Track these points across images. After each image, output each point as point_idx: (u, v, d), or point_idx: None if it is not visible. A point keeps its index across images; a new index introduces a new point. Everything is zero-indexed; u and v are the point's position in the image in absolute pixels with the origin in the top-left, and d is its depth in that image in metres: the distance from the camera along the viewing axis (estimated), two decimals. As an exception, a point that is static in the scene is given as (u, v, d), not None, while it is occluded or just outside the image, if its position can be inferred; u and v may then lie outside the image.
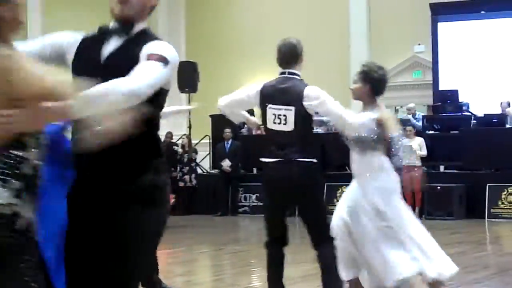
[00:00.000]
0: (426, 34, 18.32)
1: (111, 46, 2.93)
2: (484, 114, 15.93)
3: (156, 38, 3.02)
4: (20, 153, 2.48)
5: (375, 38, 19.72)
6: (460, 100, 16.76)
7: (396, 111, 20.25)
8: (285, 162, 5.04)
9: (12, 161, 2.45)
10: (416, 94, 19.04)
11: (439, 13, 18.17)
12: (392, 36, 19.40)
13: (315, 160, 5.12)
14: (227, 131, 16.50)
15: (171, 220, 11.18)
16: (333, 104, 5.07)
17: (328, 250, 5.13)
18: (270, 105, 5.12)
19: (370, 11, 19.81)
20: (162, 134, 19.16)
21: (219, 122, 17.46)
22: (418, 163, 14.46)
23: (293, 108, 5.03)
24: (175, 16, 22.71)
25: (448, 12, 18.16)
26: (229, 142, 16.46)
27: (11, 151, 2.45)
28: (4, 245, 2.44)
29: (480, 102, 17.38)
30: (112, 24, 3.00)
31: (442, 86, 18.20)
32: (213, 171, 17.55)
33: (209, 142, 18.08)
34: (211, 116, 17.99)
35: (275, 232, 5.24)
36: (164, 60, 2.83)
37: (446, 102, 16.79)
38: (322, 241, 5.13)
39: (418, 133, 14.91)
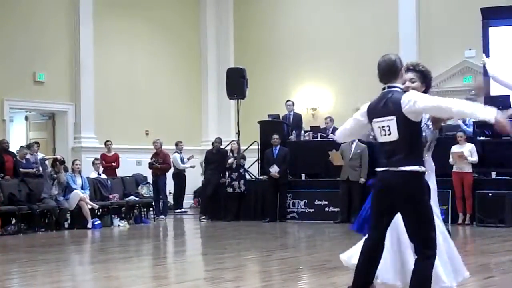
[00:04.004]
0: (477, 39, 18.08)
1: None
2: (537, 120, 15.63)
3: None
4: None
5: (425, 43, 19.54)
6: (512, 105, 16.47)
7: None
8: (390, 171, 5.13)
9: None
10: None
11: (490, 17, 17.92)
12: (442, 41, 19.21)
13: (419, 168, 5.11)
14: (275, 137, 16.52)
15: (219, 226, 11.37)
16: (427, 99, 5.11)
17: (421, 267, 5.07)
18: (374, 119, 5.25)
19: (419, 16, 19.64)
20: (211, 139, 19.31)
21: (267, 128, 17.51)
22: (468, 169, 14.30)
23: (394, 117, 5.11)
24: (224, 24, 22.83)
25: (499, 16, 17.90)
26: (277, 148, 16.47)
27: None
28: None
29: (533, 108, 17.08)
30: None
31: (493, 92, 17.92)
32: (261, 177, 17.57)
33: (258, 148, 18.13)
34: (260, 122, 18.03)
35: (375, 232, 5.32)
36: None
37: (497, 108, 16.52)
38: (420, 254, 5.08)
39: (469, 139, 14.73)
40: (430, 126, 5.58)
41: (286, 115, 18.14)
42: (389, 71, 5.27)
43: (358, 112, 5.47)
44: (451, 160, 14.31)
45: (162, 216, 17.68)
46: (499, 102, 16.92)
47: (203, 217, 17.03)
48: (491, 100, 17.35)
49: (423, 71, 5.58)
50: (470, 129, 15.61)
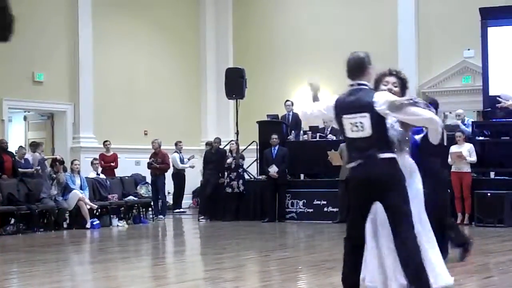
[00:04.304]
0: (475, 39, 18.08)
1: None
2: (536, 120, 15.64)
3: None
4: None
5: (424, 43, 19.56)
6: (511, 105, 16.47)
7: (445, 116, 20.03)
8: (366, 162, 5.28)
9: None
10: (466, 99, 18.81)
11: (489, 17, 17.92)
12: (441, 41, 19.23)
13: (393, 154, 5.33)
14: (274, 137, 16.53)
15: (218, 226, 11.34)
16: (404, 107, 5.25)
17: (403, 240, 5.27)
18: (345, 116, 5.37)
19: (419, 17, 19.66)
20: (210, 139, 19.30)
21: (266, 128, 17.51)
22: (467, 169, 14.31)
23: (367, 114, 5.28)
24: (223, 24, 22.83)
25: (498, 16, 17.89)
26: (276, 148, 16.48)
27: None
28: None
29: (532, 108, 17.07)
30: None
31: (492, 92, 17.92)
32: (260, 177, 17.57)
33: (256, 148, 18.13)
34: (258, 122, 18.03)
35: (355, 231, 5.41)
36: None
37: (496, 108, 16.55)
38: (400, 234, 5.28)
39: (468, 139, 14.74)
40: (395, 127, 5.63)
41: (285, 115, 18.14)
42: (357, 68, 5.45)
43: (321, 105, 5.65)
44: (449, 160, 14.31)
45: (161, 216, 17.69)
46: (498, 102, 16.95)
47: (202, 217, 17.04)
48: (491, 100, 17.40)
49: (404, 79, 5.78)
50: (469, 129, 15.62)
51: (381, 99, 5.26)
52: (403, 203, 5.25)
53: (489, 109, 16.91)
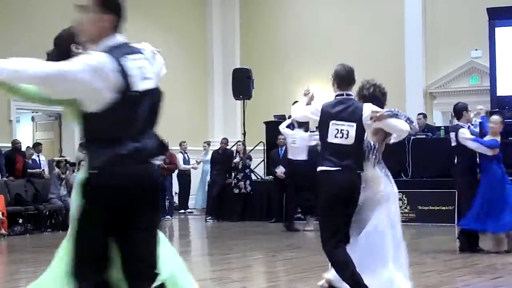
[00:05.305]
0: (483, 39, 18.04)
1: None
2: (543, 120, 15.59)
3: None
4: None
5: (431, 43, 19.52)
6: (519, 106, 16.45)
7: (453, 117, 19.97)
8: (344, 171, 5.73)
9: None
10: (473, 100, 18.68)
11: (496, 17, 17.87)
12: (449, 42, 19.18)
13: (361, 171, 5.86)
14: (281, 138, 16.48)
15: (225, 226, 11.34)
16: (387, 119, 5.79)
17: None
18: (333, 121, 5.78)
19: (425, 17, 19.62)
20: (217, 140, 19.31)
21: (273, 128, 17.49)
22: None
23: (354, 124, 5.74)
24: (230, 24, 22.84)
25: (506, 16, 17.84)
26: (283, 148, 16.44)
27: None
28: None
29: (539, 108, 17.02)
30: None
31: (500, 92, 17.89)
32: (267, 178, 17.57)
33: (264, 149, 18.12)
34: (265, 122, 18.03)
35: (340, 235, 5.74)
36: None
37: (503, 108, 16.51)
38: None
39: (475, 139, 14.66)
40: (368, 138, 6.04)
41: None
42: (348, 79, 5.92)
43: (309, 110, 6.05)
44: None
45: (168, 217, 17.70)
46: (505, 103, 16.92)
47: (209, 217, 17.04)
48: (499, 101, 17.37)
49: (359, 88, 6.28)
50: (477, 130, 15.56)
51: (368, 111, 5.73)
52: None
53: (497, 109, 16.86)
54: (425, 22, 19.62)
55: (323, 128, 5.87)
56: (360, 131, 5.76)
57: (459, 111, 10.44)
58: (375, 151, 6.04)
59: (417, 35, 19.58)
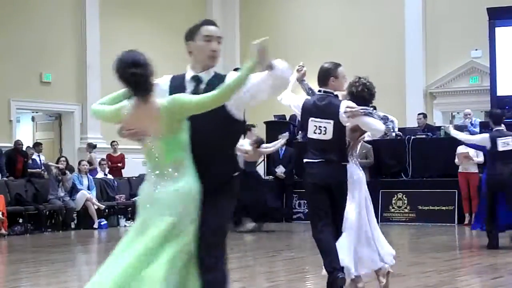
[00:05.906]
0: (483, 39, 18.05)
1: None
2: (543, 120, 15.60)
3: None
4: None
5: (431, 43, 19.53)
6: (518, 106, 16.46)
7: (453, 117, 19.99)
8: (326, 162, 5.92)
9: None
10: (473, 100, 18.77)
11: (496, 17, 17.88)
12: (449, 42, 19.18)
13: (346, 162, 6.03)
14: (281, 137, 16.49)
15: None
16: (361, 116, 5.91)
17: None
18: (312, 118, 5.99)
19: (426, 16, 19.63)
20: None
21: (273, 128, 17.50)
22: (474, 169, 14.27)
23: (332, 121, 5.91)
24: (230, 24, 22.83)
25: (506, 16, 17.85)
26: (283, 148, 16.45)
27: None
28: None
29: (539, 108, 17.03)
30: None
31: (500, 92, 17.90)
32: (267, 178, 17.56)
33: (264, 149, 18.09)
34: (266, 122, 18.03)
35: (325, 225, 5.93)
36: None
37: (503, 108, 16.51)
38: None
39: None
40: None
41: (292, 115, 18.12)
42: (322, 77, 6.17)
43: (294, 101, 6.25)
44: (456, 161, 14.29)
45: (168, 217, 17.68)
46: (505, 103, 16.93)
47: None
48: (498, 101, 17.38)
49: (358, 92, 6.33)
50: (477, 130, 15.58)
51: (343, 108, 5.87)
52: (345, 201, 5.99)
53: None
54: (425, 22, 19.62)
55: (304, 124, 6.13)
56: (338, 127, 5.91)
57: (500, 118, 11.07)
58: (348, 148, 6.15)
59: (417, 35, 19.59)
